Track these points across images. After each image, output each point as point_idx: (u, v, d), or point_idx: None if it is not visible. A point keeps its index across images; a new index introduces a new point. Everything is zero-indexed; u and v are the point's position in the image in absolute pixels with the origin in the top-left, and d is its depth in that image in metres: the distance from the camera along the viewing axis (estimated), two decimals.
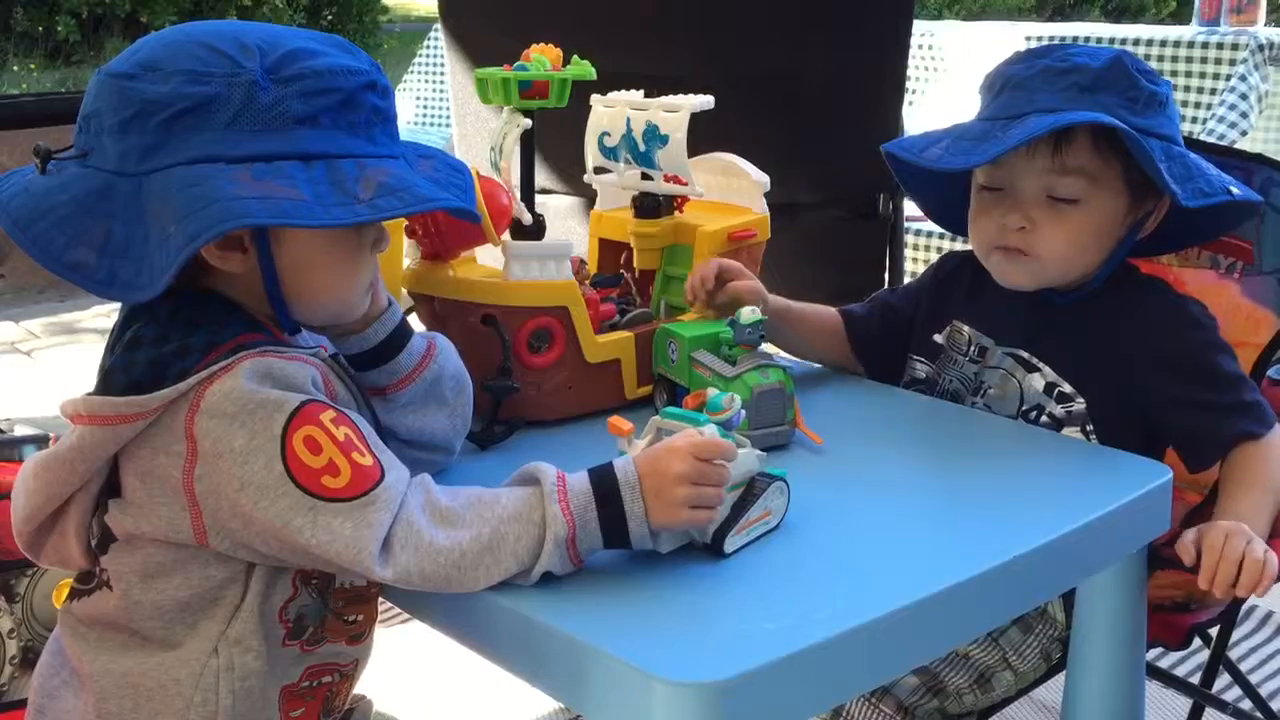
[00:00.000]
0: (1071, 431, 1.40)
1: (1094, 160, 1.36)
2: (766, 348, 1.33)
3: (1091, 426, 1.39)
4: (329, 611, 1.06)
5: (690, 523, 1.03)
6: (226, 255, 1.01)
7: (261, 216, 0.95)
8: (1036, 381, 1.41)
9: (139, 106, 0.97)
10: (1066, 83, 1.36)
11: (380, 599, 1.12)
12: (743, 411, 1.13)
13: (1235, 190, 1.35)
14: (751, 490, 1.08)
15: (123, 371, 0.99)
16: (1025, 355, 1.43)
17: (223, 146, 0.96)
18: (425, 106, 4.66)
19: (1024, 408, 1.42)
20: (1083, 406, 1.39)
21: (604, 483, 1.01)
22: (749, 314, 1.29)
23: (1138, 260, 1.51)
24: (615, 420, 1.11)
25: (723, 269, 1.40)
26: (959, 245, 3.43)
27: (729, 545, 1.06)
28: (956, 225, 1.52)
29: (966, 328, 1.48)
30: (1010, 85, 1.41)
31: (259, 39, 1.00)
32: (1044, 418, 1.40)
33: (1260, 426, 1.33)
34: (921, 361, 1.52)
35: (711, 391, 1.14)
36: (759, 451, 1.12)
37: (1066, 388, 1.39)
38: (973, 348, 1.47)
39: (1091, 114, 1.32)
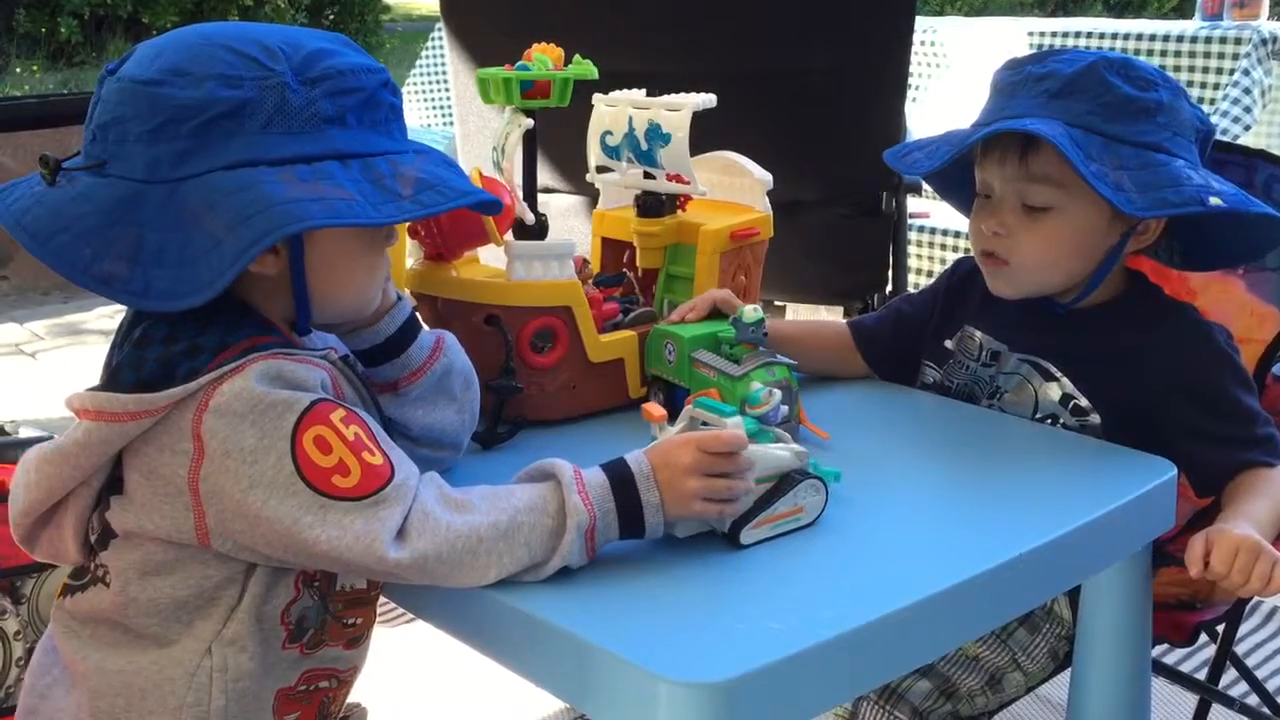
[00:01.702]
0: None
1: (1060, 168, 1.34)
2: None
3: (1104, 441, 1.38)
4: (329, 614, 1.06)
5: (704, 514, 1.05)
6: (261, 257, 1.00)
7: (321, 219, 0.95)
8: (1053, 391, 1.40)
9: (171, 113, 0.96)
10: (1039, 89, 1.36)
11: (381, 599, 1.12)
12: (784, 407, 1.14)
13: (1217, 201, 1.30)
14: (781, 485, 1.09)
15: (131, 369, 0.98)
16: (1045, 364, 1.42)
17: (261, 150, 0.97)
18: (428, 107, 4.66)
19: (1037, 415, 1.41)
20: (1097, 421, 1.38)
21: (619, 475, 1.03)
22: (751, 312, 1.29)
23: (1154, 264, 1.50)
24: (649, 406, 1.14)
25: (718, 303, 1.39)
26: (962, 243, 3.44)
27: (745, 537, 1.07)
28: None
29: (978, 333, 1.48)
30: (996, 91, 1.42)
31: (279, 41, 1.00)
32: (1057, 428, 1.40)
33: (1272, 458, 1.32)
34: (931, 366, 1.51)
35: (755, 385, 1.15)
36: (798, 448, 1.12)
37: (1082, 401, 1.38)
38: (984, 353, 1.47)
39: (1026, 122, 1.31)
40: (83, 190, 0.98)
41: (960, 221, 1.63)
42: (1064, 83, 1.35)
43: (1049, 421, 1.40)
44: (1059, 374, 1.41)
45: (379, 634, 1.14)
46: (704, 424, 1.10)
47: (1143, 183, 1.30)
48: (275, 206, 0.94)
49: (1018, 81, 1.39)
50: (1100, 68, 1.35)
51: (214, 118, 0.96)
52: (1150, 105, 1.34)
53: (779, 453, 1.10)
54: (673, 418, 1.15)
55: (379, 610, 1.13)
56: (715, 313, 1.39)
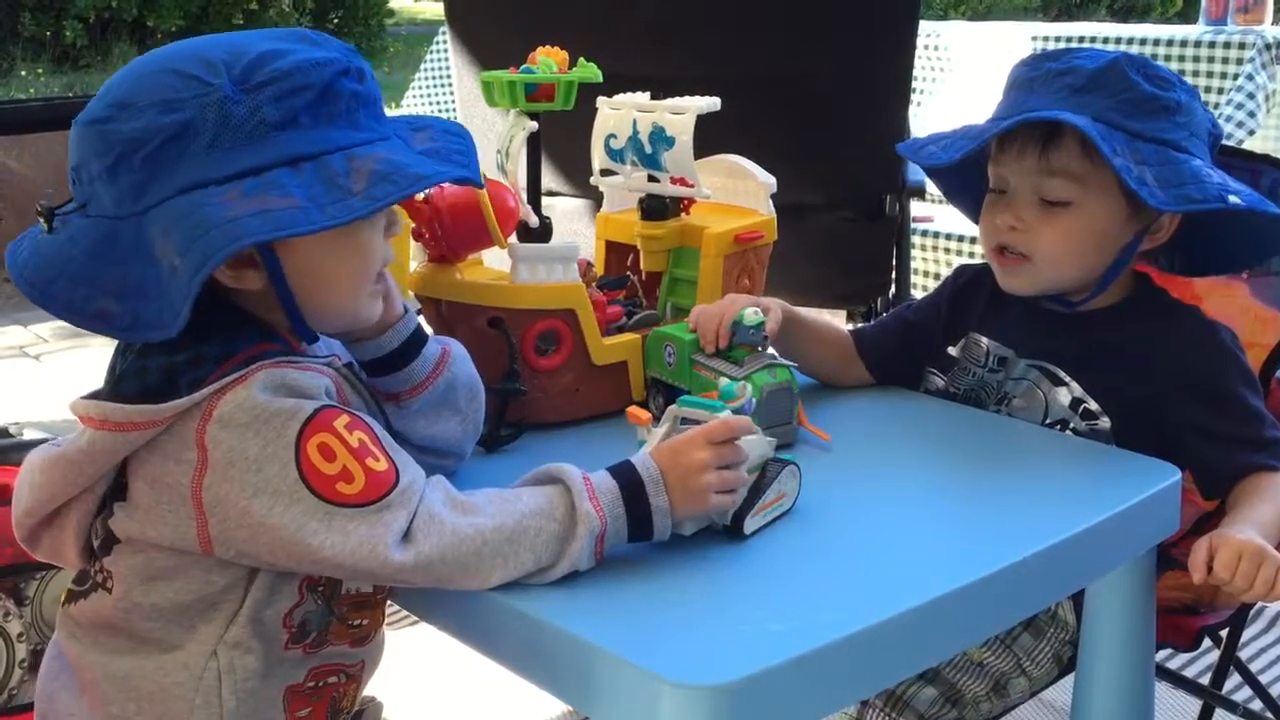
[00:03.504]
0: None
1: (1081, 162, 1.35)
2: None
3: (1114, 445, 1.37)
4: (334, 618, 1.06)
5: (716, 508, 1.06)
6: (241, 274, 1.00)
7: (259, 233, 0.94)
8: (1063, 396, 1.40)
9: (121, 148, 0.96)
10: (1061, 84, 1.36)
11: (388, 602, 1.12)
12: (753, 399, 1.17)
13: (1236, 200, 1.31)
14: (766, 474, 1.11)
15: (135, 378, 0.99)
16: (1053, 369, 1.41)
17: (209, 169, 0.96)
18: (432, 109, 4.66)
19: (1047, 421, 1.41)
20: (1107, 425, 1.38)
21: (628, 480, 1.04)
22: (752, 315, 1.30)
23: (1154, 270, 1.50)
24: (634, 410, 1.15)
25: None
26: (966, 246, 3.44)
27: (749, 526, 1.09)
28: None
29: (985, 339, 1.48)
30: (1014, 87, 1.42)
31: (223, 52, 0.99)
32: (1066, 433, 1.39)
33: (1277, 461, 1.32)
34: (935, 373, 1.51)
35: (723, 381, 1.17)
36: (769, 438, 1.14)
37: (1092, 405, 1.38)
38: (991, 359, 1.46)
39: (1056, 112, 1.31)
40: (73, 233, 0.99)
41: (964, 225, 1.63)
42: (1087, 78, 1.35)
43: (1058, 426, 1.40)
44: (1067, 379, 1.40)
45: (385, 636, 1.14)
46: (684, 421, 1.11)
47: (1164, 179, 1.31)
48: (214, 229, 0.93)
49: (1036, 77, 1.39)
50: (1122, 65, 1.36)
51: (159, 145, 0.96)
52: (1169, 104, 1.35)
53: (759, 442, 1.12)
54: None
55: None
56: None
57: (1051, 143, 1.36)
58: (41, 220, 1.00)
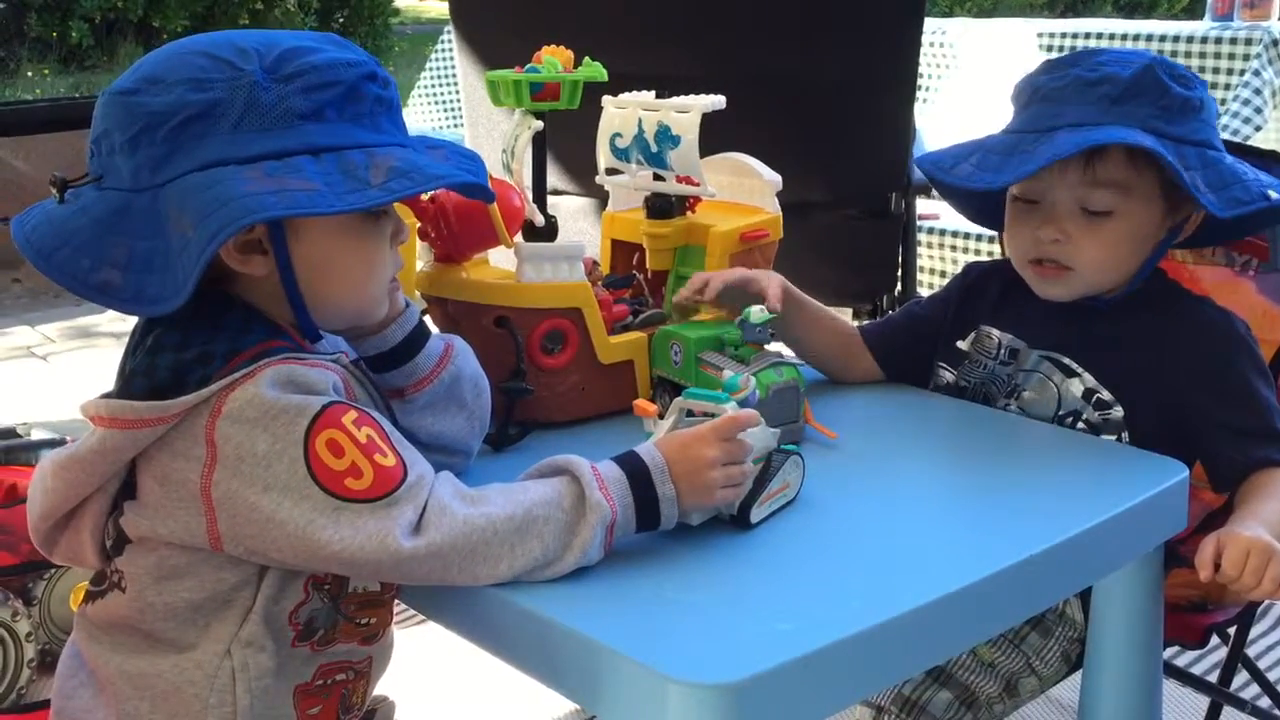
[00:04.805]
0: (1107, 438, 1.38)
1: (1127, 172, 1.34)
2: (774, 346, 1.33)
3: (1127, 435, 1.37)
4: (341, 616, 1.06)
5: (722, 502, 1.08)
6: (247, 258, 1.02)
7: (276, 209, 0.95)
8: (1075, 387, 1.40)
9: (145, 120, 0.98)
10: (1096, 94, 1.34)
11: (396, 601, 1.12)
12: (757, 391, 1.18)
13: (1275, 194, 1.32)
14: (770, 464, 1.12)
15: (144, 376, 0.99)
16: (1065, 360, 1.41)
17: (232, 149, 0.97)
18: (437, 109, 4.66)
19: (1060, 413, 1.41)
20: (1120, 414, 1.38)
21: (634, 468, 1.05)
22: (759, 313, 1.30)
23: (1166, 264, 1.51)
24: (641, 402, 1.17)
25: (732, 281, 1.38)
26: (971, 244, 3.44)
27: (755, 516, 1.10)
28: (997, 224, 1.51)
29: (996, 332, 1.47)
30: (1039, 97, 1.39)
31: (256, 42, 1.01)
32: (1080, 424, 1.39)
33: None
34: (945, 368, 1.51)
35: (727, 373, 1.17)
36: (773, 429, 1.15)
37: (1105, 395, 1.38)
38: (1003, 350, 1.46)
39: (1122, 132, 1.30)
40: (84, 205, 1.00)
41: (970, 222, 1.63)
42: (1124, 87, 1.34)
43: (1071, 418, 1.40)
44: (1080, 369, 1.40)
45: (394, 635, 1.14)
46: (690, 413, 1.12)
47: (1211, 182, 1.31)
48: (233, 201, 0.94)
49: (1065, 86, 1.37)
50: (1155, 69, 1.35)
51: (185, 121, 0.97)
52: (1197, 104, 1.35)
53: (763, 434, 1.13)
54: None
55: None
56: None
57: (1096, 155, 1.34)
58: (54, 191, 1.01)
